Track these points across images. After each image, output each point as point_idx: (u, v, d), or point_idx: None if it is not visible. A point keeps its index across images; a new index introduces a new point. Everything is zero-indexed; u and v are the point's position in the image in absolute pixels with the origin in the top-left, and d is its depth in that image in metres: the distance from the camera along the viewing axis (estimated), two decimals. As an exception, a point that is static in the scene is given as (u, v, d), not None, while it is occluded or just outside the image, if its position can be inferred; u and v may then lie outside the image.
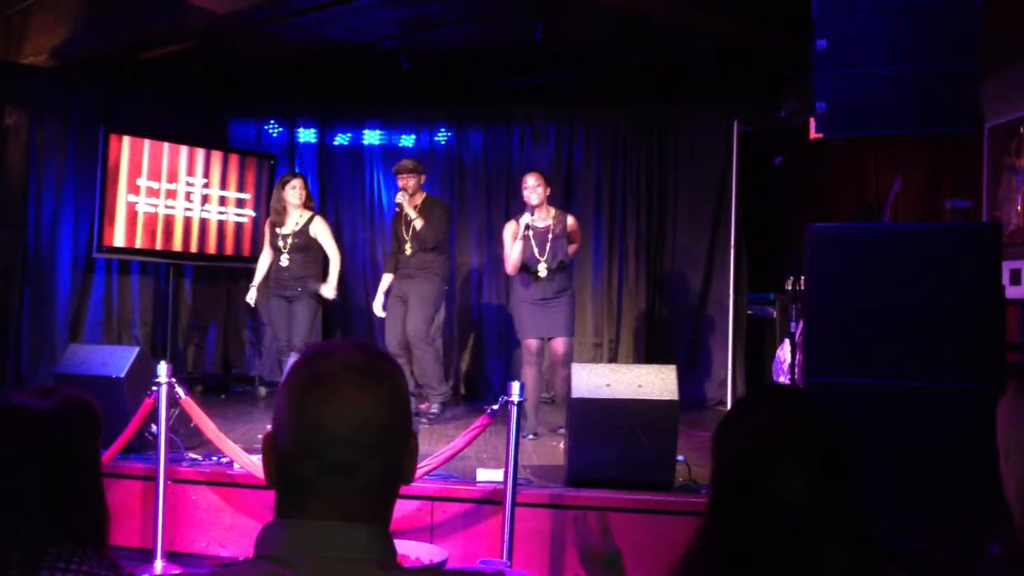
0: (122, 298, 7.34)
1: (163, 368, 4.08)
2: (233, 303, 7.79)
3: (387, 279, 6.14)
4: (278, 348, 6.27)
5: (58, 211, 6.97)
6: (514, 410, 3.72)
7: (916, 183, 5.39)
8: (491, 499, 3.99)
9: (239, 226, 7.57)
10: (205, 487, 4.29)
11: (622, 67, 7.07)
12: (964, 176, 5.13)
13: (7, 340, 6.68)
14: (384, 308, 6.09)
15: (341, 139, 8.05)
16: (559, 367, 5.53)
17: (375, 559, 1.03)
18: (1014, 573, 1.37)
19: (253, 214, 7.59)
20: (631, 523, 3.86)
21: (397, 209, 6.08)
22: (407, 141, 7.92)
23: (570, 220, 5.65)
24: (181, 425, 4.44)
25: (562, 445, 4.85)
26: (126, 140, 6.92)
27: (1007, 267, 4.33)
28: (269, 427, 1.11)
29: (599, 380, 4.10)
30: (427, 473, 4.00)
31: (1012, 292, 4.30)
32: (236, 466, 4.23)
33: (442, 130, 7.88)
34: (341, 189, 8.03)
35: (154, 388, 4.06)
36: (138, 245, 7.03)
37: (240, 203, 7.57)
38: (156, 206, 7.11)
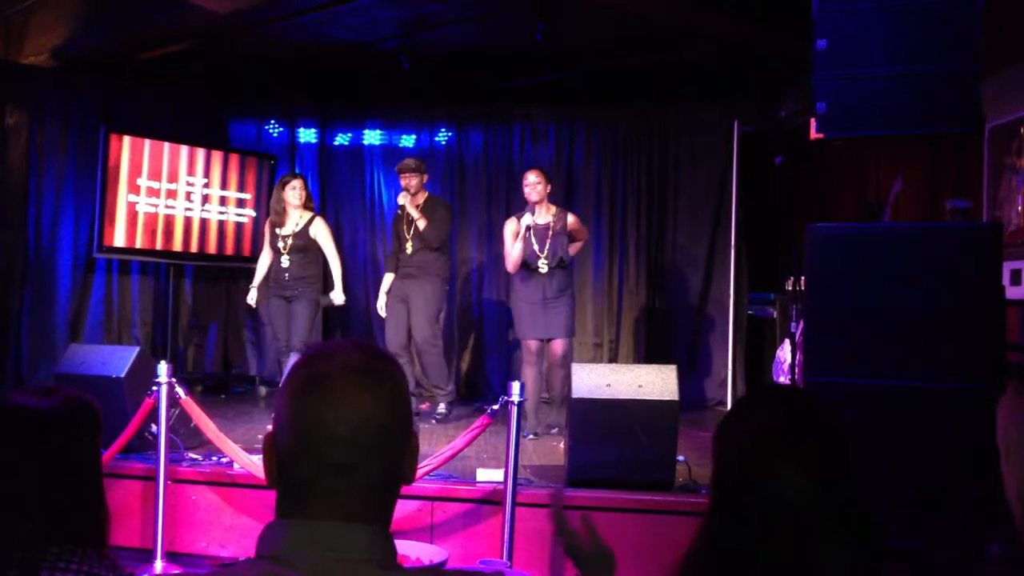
0: (122, 298, 7.34)
1: (163, 368, 4.08)
2: (233, 303, 7.79)
3: (388, 279, 6.14)
4: (277, 348, 6.27)
5: (58, 211, 6.97)
6: (514, 410, 3.72)
7: (916, 183, 5.39)
8: (491, 499, 3.99)
9: (239, 226, 7.57)
10: (205, 487, 4.29)
11: (622, 67, 7.07)
12: (964, 176, 5.13)
13: (7, 340, 6.68)
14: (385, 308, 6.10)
15: (341, 139, 8.05)
16: (557, 368, 5.55)
17: (375, 559, 1.03)
18: (1014, 573, 1.37)
19: (253, 214, 7.59)
20: (631, 523, 3.87)
21: (399, 211, 6.08)
22: (407, 141, 7.92)
23: (570, 218, 5.67)
24: (181, 425, 4.44)
25: (562, 445, 4.86)
26: (126, 140, 6.92)
27: (1007, 267, 4.33)
28: (269, 427, 1.11)
29: (599, 380, 4.10)
30: (427, 473, 4.00)
31: (1012, 292, 4.30)
32: (236, 466, 4.23)
33: (442, 130, 7.88)
34: (341, 189, 8.03)
35: (154, 388, 4.06)
36: (138, 245, 7.03)
37: (240, 203, 7.57)
38: (156, 206, 7.11)
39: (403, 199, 5.94)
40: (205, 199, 7.37)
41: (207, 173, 7.38)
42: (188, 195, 7.27)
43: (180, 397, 4.17)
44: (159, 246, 7.14)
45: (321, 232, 6.02)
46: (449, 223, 6.12)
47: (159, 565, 3.94)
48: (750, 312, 7.23)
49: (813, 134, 3.26)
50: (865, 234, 3.05)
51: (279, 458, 1.07)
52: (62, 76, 7.06)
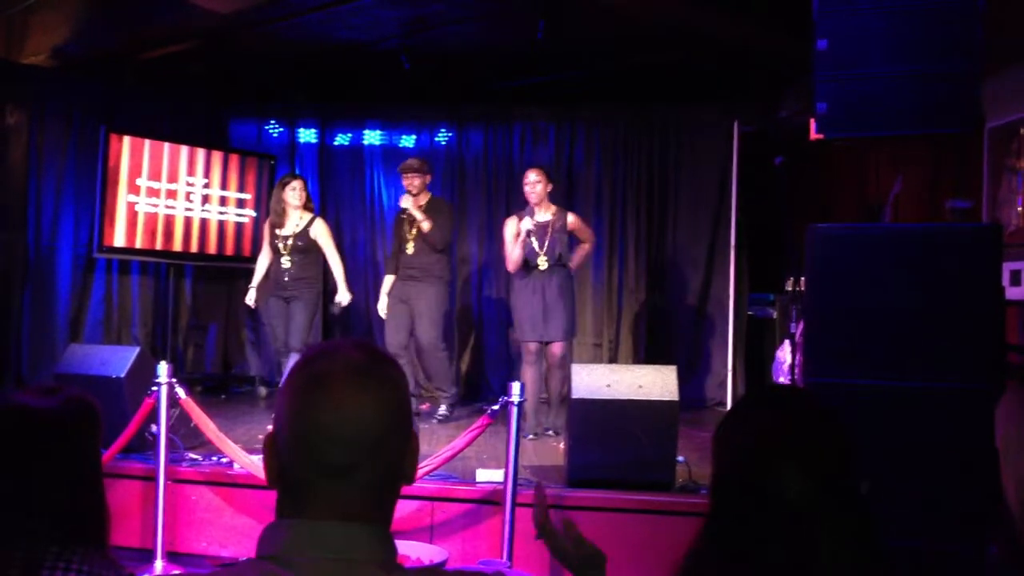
0: (122, 298, 7.35)
1: (163, 368, 4.08)
2: (233, 303, 7.79)
3: (389, 280, 6.14)
4: (276, 349, 6.27)
5: (59, 211, 6.98)
6: (514, 410, 3.73)
7: (916, 184, 5.39)
8: (491, 499, 3.99)
9: (239, 226, 7.57)
10: (205, 487, 4.29)
11: (622, 67, 7.07)
12: (964, 177, 5.13)
13: (7, 340, 6.68)
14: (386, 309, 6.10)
15: (342, 139, 8.05)
16: (555, 369, 5.57)
17: (375, 560, 1.03)
18: (1014, 573, 1.37)
19: (253, 214, 7.60)
20: (631, 523, 3.87)
21: (403, 215, 6.09)
22: (408, 141, 7.92)
23: (571, 217, 5.67)
24: (181, 425, 4.44)
25: (562, 445, 4.86)
26: (127, 140, 6.93)
27: (1007, 268, 4.33)
28: (269, 427, 1.11)
29: (599, 380, 4.11)
30: (427, 473, 4.00)
31: (1012, 293, 4.30)
32: (236, 466, 4.23)
33: (443, 130, 7.88)
34: (341, 189, 8.03)
35: (154, 388, 4.06)
36: (138, 245, 7.04)
37: (240, 203, 7.57)
38: (156, 206, 7.11)
39: (406, 202, 5.93)
40: (205, 199, 7.37)
41: (207, 173, 7.38)
42: (188, 195, 7.28)
43: (180, 397, 4.17)
44: (159, 246, 7.14)
45: (322, 233, 6.01)
46: (452, 224, 6.13)
47: (159, 565, 3.94)
48: (750, 312, 7.23)
49: (813, 134, 3.25)
50: (865, 234, 3.05)
51: (279, 458, 1.07)
52: (63, 76, 7.06)
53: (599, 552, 1.71)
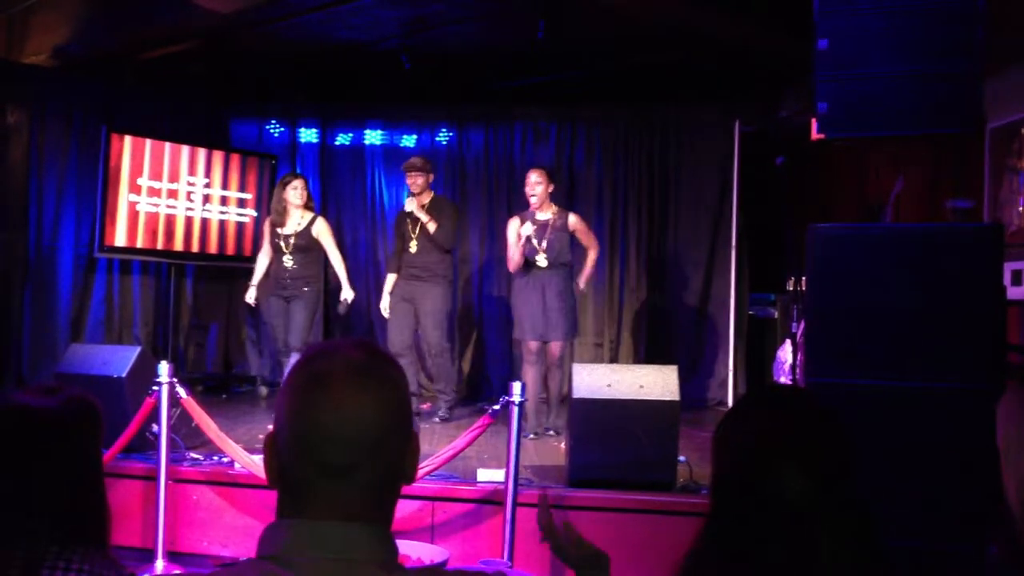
0: (123, 298, 7.35)
1: (164, 368, 4.08)
2: (234, 303, 7.79)
3: (391, 279, 6.14)
4: (276, 349, 6.28)
5: (59, 211, 6.98)
6: (515, 410, 3.73)
7: (917, 184, 5.39)
8: (492, 499, 3.99)
9: (240, 226, 7.57)
10: (206, 487, 4.30)
11: (623, 67, 7.07)
12: (965, 177, 5.13)
13: (8, 340, 6.68)
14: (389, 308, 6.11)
15: (342, 139, 8.05)
16: (554, 369, 5.58)
17: (376, 560, 1.03)
18: (1014, 573, 1.37)
19: (254, 214, 7.60)
20: (632, 523, 3.87)
21: (403, 211, 6.09)
22: (408, 141, 7.93)
23: (572, 218, 5.67)
24: (182, 425, 4.44)
25: (563, 445, 4.86)
26: (127, 140, 6.93)
27: (1008, 268, 4.33)
28: (270, 427, 1.11)
29: (600, 380, 4.11)
30: (428, 473, 4.00)
31: (1013, 293, 4.30)
32: (237, 466, 4.23)
33: (443, 130, 7.89)
34: (342, 189, 8.03)
35: (155, 388, 4.07)
36: (139, 245, 7.04)
37: (241, 203, 7.58)
38: (157, 206, 7.12)
39: (410, 206, 5.92)
40: (206, 199, 7.37)
41: (208, 173, 7.38)
42: (189, 195, 7.28)
43: (181, 397, 4.17)
44: (160, 246, 7.15)
45: (323, 232, 6.03)
46: (457, 223, 6.14)
47: (160, 565, 3.94)
48: (751, 312, 7.23)
49: (814, 134, 3.25)
50: (866, 234, 3.05)
51: (280, 458, 1.07)
52: (63, 76, 7.06)
53: (600, 552, 1.71)
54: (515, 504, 3.66)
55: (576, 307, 5.75)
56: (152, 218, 7.08)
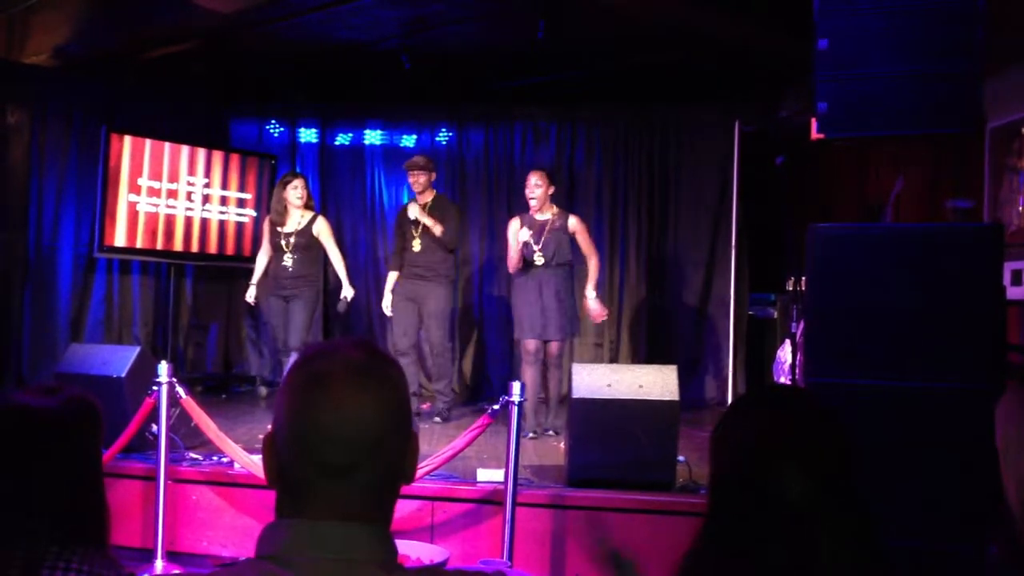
0: (123, 298, 7.35)
1: (164, 368, 4.08)
2: (234, 303, 7.80)
3: (393, 277, 6.15)
4: (276, 348, 6.28)
5: (60, 210, 6.98)
6: (515, 410, 3.73)
7: (917, 184, 5.39)
8: (492, 499, 3.99)
9: (240, 226, 7.57)
10: (206, 487, 4.30)
11: (623, 67, 7.07)
12: (965, 177, 5.13)
13: (8, 340, 6.68)
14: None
15: (342, 139, 8.05)
16: (553, 368, 5.59)
17: (375, 560, 1.03)
18: (1014, 573, 1.37)
19: (254, 214, 7.60)
20: (632, 523, 3.87)
21: (404, 209, 6.09)
22: (408, 141, 7.93)
23: (573, 221, 5.66)
24: (182, 425, 4.44)
25: (562, 445, 4.86)
26: (127, 140, 6.93)
27: (1008, 268, 4.32)
28: (270, 427, 1.11)
29: (600, 380, 4.11)
30: (428, 473, 4.00)
31: (1013, 293, 4.30)
32: (237, 466, 4.23)
33: (443, 130, 7.89)
34: (342, 189, 8.03)
35: (155, 388, 4.06)
36: (139, 245, 7.04)
37: (241, 203, 7.58)
38: (157, 206, 7.12)
39: (414, 212, 5.90)
40: (206, 199, 7.37)
41: (208, 173, 7.38)
42: (189, 195, 7.28)
43: (181, 397, 4.17)
44: (160, 246, 7.15)
45: (323, 230, 6.03)
46: (461, 223, 6.15)
47: (160, 565, 3.94)
48: (751, 312, 7.23)
49: (814, 134, 3.25)
50: (866, 234, 3.05)
51: (279, 458, 1.07)
52: (64, 76, 7.06)
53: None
54: (515, 504, 3.66)
55: (576, 306, 5.76)
56: (152, 218, 7.08)
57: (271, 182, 7.40)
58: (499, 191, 7.77)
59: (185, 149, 7.27)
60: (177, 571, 3.94)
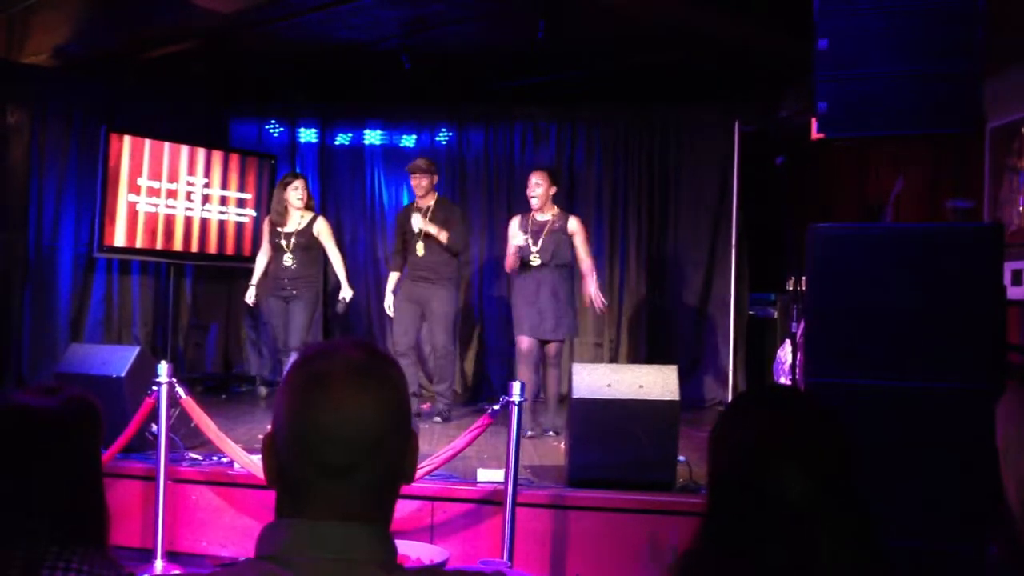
0: (123, 298, 7.35)
1: (164, 368, 4.08)
2: (234, 303, 7.79)
3: (394, 278, 6.15)
4: (276, 349, 6.28)
5: (59, 210, 6.98)
6: (515, 410, 3.72)
7: (917, 184, 5.39)
8: (492, 499, 3.99)
9: (240, 226, 7.57)
10: (205, 487, 4.29)
11: (623, 67, 7.07)
12: (965, 177, 5.13)
13: (8, 340, 6.68)
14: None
15: (342, 139, 8.05)
16: (552, 368, 5.60)
17: (375, 560, 1.03)
18: (1014, 573, 1.37)
19: (254, 214, 7.60)
20: (632, 523, 3.87)
21: (406, 210, 6.09)
22: (408, 141, 7.93)
23: (572, 222, 5.65)
24: (181, 425, 4.44)
25: (562, 445, 4.86)
26: (127, 140, 6.93)
27: (1008, 268, 4.32)
28: (269, 427, 1.11)
29: (600, 380, 4.11)
30: (428, 473, 4.00)
31: (1013, 293, 4.30)
32: (236, 466, 4.23)
33: (443, 130, 7.89)
34: (342, 189, 8.03)
35: (154, 388, 4.06)
36: (139, 245, 7.04)
37: (241, 203, 7.58)
38: (157, 206, 7.12)
39: (418, 223, 5.87)
40: (205, 199, 7.37)
41: (207, 173, 7.38)
42: (188, 195, 7.28)
43: (180, 397, 4.17)
44: (159, 246, 7.15)
45: (323, 231, 6.04)
46: (466, 225, 6.16)
47: (159, 565, 3.94)
48: (751, 312, 7.23)
49: (814, 134, 3.25)
50: (866, 234, 3.05)
51: (278, 458, 1.07)
52: (63, 76, 7.06)
53: None
54: (515, 504, 3.66)
55: (575, 306, 5.76)
56: (151, 218, 7.08)
57: (271, 182, 7.41)
58: (499, 191, 7.77)
59: (185, 149, 7.27)
60: (177, 571, 3.94)
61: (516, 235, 5.58)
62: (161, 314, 7.45)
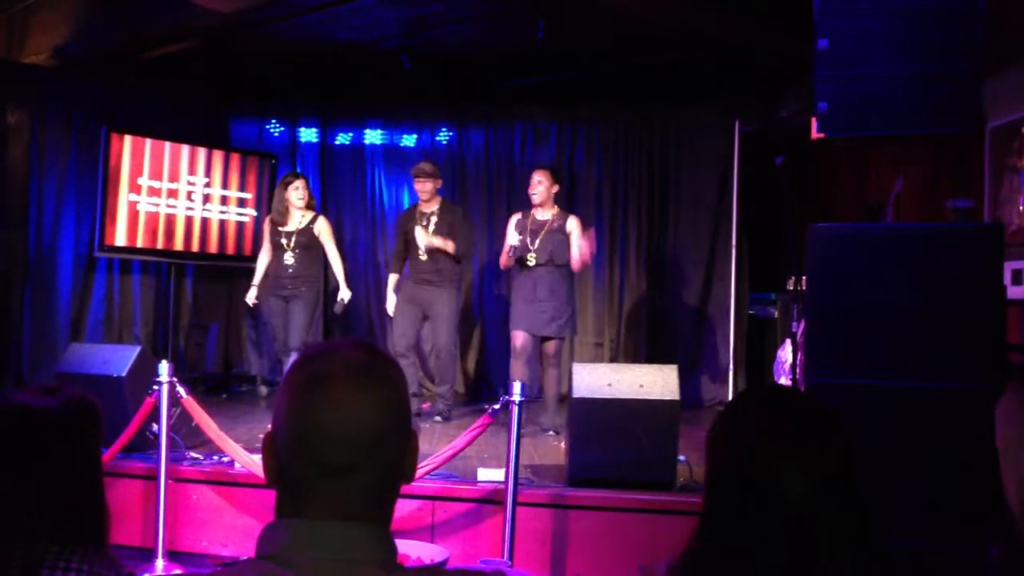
0: (123, 297, 7.35)
1: (164, 367, 4.08)
2: (234, 302, 7.79)
3: (394, 278, 6.15)
4: (276, 348, 6.28)
5: (60, 210, 6.98)
6: (515, 409, 3.73)
7: (917, 184, 5.39)
8: (492, 499, 3.99)
9: (240, 225, 7.57)
10: (206, 486, 4.30)
11: (623, 67, 7.07)
12: (965, 176, 5.13)
13: (8, 339, 6.68)
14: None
15: (342, 139, 8.06)
16: (551, 368, 5.60)
17: (375, 559, 1.03)
18: (1014, 573, 1.37)
19: (254, 213, 7.60)
20: (632, 523, 3.87)
21: (408, 210, 6.09)
22: (408, 141, 7.93)
23: (571, 222, 5.65)
24: (182, 424, 4.44)
25: (563, 445, 4.86)
26: (128, 139, 6.93)
27: (1009, 267, 4.33)
28: (269, 426, 1.11)
29: (600, 380, 4.11)
30: (428, 473, 4.00)
31: (1014, 292, 4.30)
32: (237, 465, 4.23)
33: (443, 130, 7.89)
34: (342, 189, 8.03)
35: (155, 387, 4.06)
36: (139, 244, 7.04)
37: (241, 203, 7.58)
38: (157, 205, 7.12)
39: (423, 241, 5.84)
40: (206, 199, 7.37)
41: (208, 173, 7.38)
42: (189, 194, 7.28)
43: (181, 396, 4.17)
44: (160, 245, 7.15)
45: (324, 230, 6.04)
46: (471, 229, 6.17)
47: (160, 564, 3.94)
48: (751, 312, 7.24)
49: (814, 134, 3.25)
50: (866, 234, 3.05)
51: (278, 458, 1.07)
52: (63, 75, 7.06)
53: None
54: (515, 503, 3.66)
55: (574, 305, 5.76)
56: (152, 218, 7.08)
57: (271, 182, 7.41)
58: (499, 191, 7.77)
59: (185, 149, 7.27)
60: (177, 571, 3.94)
61: (511, 235, 5.61)
62: (162, 314, 7.45)
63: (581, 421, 4.09)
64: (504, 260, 5.70)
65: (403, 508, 3.97)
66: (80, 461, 1.44)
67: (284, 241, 5.96)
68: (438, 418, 6.02)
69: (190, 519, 4.27)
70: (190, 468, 4.33)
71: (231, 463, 4.28)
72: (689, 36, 6.22)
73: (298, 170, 7.60)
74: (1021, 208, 4.70)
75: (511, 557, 3.61)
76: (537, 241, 5.55)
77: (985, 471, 1.49)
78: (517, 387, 3.77)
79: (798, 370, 4.11)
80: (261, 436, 1.07)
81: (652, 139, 7.64)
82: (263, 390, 7.40)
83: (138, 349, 4.70)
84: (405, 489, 1.13)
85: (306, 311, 5.95)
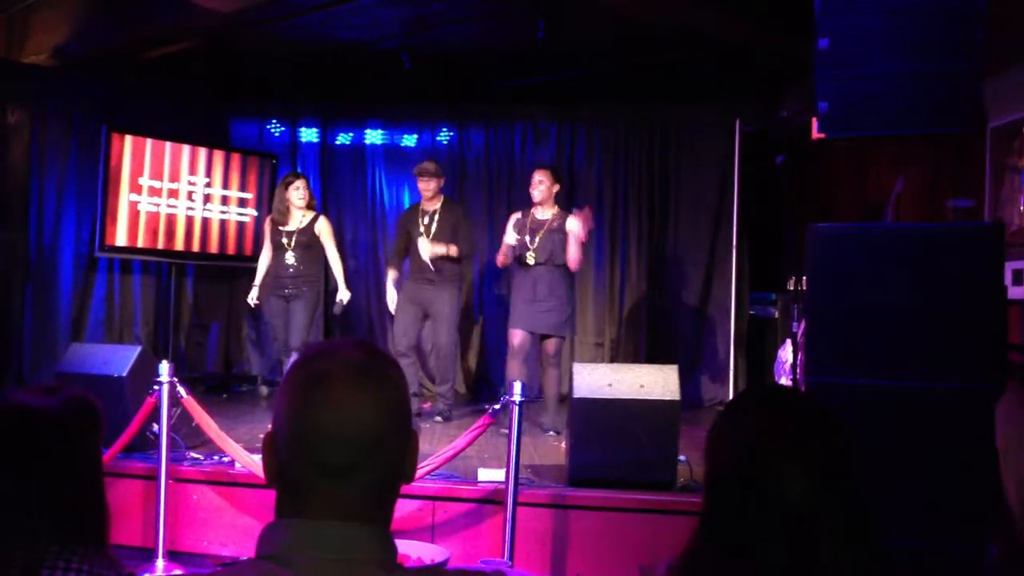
0: (124, 297, 7.35)
1: (165, 367, 4.08)
2: (235, 302, 7.80)
3: (393, 276, 6.15)
4: (276, 348, 6.28)
5: (60, 210, 6.98)
6: (515, 410, 3.73)
7: (917, 184, 5.39)
8: (493, 499, 3.99)
9: (241, 225, 7.58)
10: (206, 486, 4.30)
11: (623, 67, 7.07)
12: (966, 176, 5.13)
13: (9, 339, 6.68)
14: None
15: (343, 139, 8.06)
16: (551, 368, 5.60)
17: (375, 559, 1.03)
18: (1014, 573, 1.37)
19: (255, 213, 7.60)
20: (632, 523, 3.87)
21: (409, 210, 6.09)
22: (409, 141, 7.93)
23: (569, 221, 5.65)
24: (183, 424, 4.44)
25: (563, 445, 4.86)
26: (128, 139, 6.93)
27: (1009, 267, 4.33)
28: (270, 426, 1.11)
29: (601, 380, 4.11)
30: (428, 473, 4.00)
31: (1014, 292, 4.30)
32: (238, 465, 4.23)
33: (444, 130, 7.89)
34: (343, 189, 8.04)
35: (156, 387, 4.06)
36: (140, 244, 7.04)
37: (242, 203, 7.58)
38: (158, 205, 7.12)
39: (426, 251, 5.82)
40: (207, 198, 7.38)
41: (209, 172, 7.38)
42: (190, 194, 7.28)
43: (182, 396, 4.17)
44: (161, 245, 7.15)
45: (324, 230, 6.04)
46: (474, 229, 6.16)
47: (160, 564, 3.94)
48: (751, 312, 7.24)
49: (815, 134, 3.25)
50: (866, 234, 3.05)
51: (278, 457, 1.07)
52: (64, 75, 7.06)
53: None
54: (515, 504, 3.66)
55: (574, 305, 5.76)
56: (153, 218, 7.08)
57: (272, 182, 7.41)
58: (499, 191, 7.77)
59: (186, 149, 7.27)
60: (178, 571, 3.94)
61: (509, 233, 5.62)
62: (162, 314, 7.45)
63: (581, 421, 4.09)
64: (500, 259, 5.71)
65: (403, 508, 3.97)
66: (80, 461, 1.44)
67: (285, 241, 5.96)
68: (438, 418, 6.01)
69: (190, 519, 4.27)
70: (190, 468, 4.33)
71: (231, 463, 4.28)
72: (689, 36, 6.22)
73: (298, 170, 7.60)
74: (1022, 208, 4.70)
75: (511, 557, 3.61)
76: (537, 240, 5.56)
77: (985, 471, 1.49)
78: (517, 387, 3.77)
79: (798, 370, 4.11)
80: (261, 436, 1.07)
81: (652, 139, 7.64)
82: (263, 390, 7.40)
83: (138, 349, 4.70)
84: (405, 489, 1.13)
85: (307, 311, 5.95)
